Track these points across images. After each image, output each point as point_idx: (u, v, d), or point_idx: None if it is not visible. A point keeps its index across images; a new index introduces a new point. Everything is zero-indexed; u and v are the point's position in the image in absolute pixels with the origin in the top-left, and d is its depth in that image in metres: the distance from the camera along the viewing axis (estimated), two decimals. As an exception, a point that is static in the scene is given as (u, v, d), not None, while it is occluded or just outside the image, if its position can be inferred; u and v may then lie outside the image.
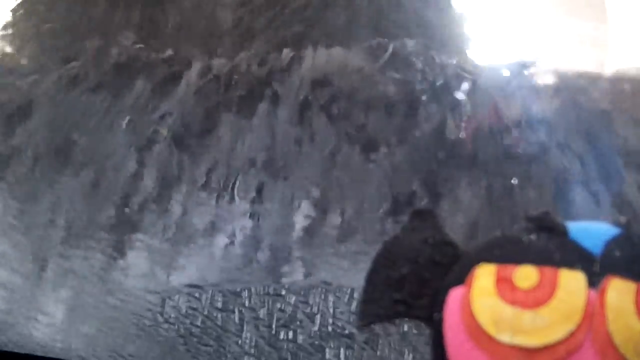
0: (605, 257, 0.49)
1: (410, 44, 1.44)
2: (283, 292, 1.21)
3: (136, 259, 1.30)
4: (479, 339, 0.48)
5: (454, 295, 0.51)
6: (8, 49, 1.69)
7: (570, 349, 0.46)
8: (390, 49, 1.44)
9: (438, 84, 1.35)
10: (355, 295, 1.18)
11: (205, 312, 1.23)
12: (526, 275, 0.48)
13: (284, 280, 1.23)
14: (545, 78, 1.42)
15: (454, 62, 1.41)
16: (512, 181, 1.25)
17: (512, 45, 1.95)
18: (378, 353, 1.15)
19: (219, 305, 1.23)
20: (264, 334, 1.19)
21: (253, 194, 1.31)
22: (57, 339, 1.25)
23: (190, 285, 1.26)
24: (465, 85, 1.33)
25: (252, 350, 1.19)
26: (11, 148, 1.44)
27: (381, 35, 1.51)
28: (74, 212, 1.36)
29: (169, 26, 1.66)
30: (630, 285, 0.47)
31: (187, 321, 1.22)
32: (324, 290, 1.20)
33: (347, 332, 1.17)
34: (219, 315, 1.22)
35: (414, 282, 0.54)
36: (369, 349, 1.15)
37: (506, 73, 1.40)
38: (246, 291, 1.23)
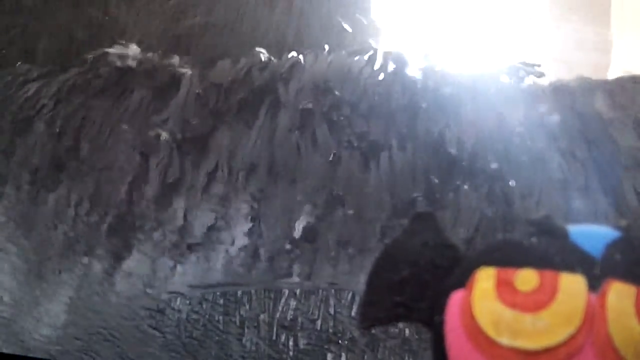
0: (605, 260, 0.49)
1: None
2: (284, 296, 1.22)
3: (138, 263, 1.30)
4: (479, 341, 0.48)
5: (455, 298, 0.51)
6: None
7: (570, 351, 0.46)
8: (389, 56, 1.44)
9: (439, 92, 1.36)
10: (357, 298, 1.18)
11: (207, 316, 1.23)
12: (526, 278, 0.48)
13: (285, 284, 1.23)
14: (546, 83, 1.42)
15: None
16: (510, 183, 1.25)
17: (514, 50, 1.96)
18: (379, 356, 1.15)
19: (220, 308, 1.23)
20: (265, 337, 1.19)
21: (254, 198, 1.31)
22: (58, 341, 1.25)
23: (192, 290, 1.26)
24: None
25: (253, 354, 1.19)
26: (15, 155, 1.45)
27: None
28: (75, 217, 1.36)
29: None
30: (631, 289, 0.47)
31: (189, 325, 1.22)
32: (324, 293, 1.20)
33: (348, 335, 1.17)
34: (220, 319, 1.22)
35: (414, 285, 0.54)
36: (369, 352, 1.15)
37: (507, 78, 1.40)
38: (247, 295, 1.23)
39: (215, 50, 1.61)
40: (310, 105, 1.37)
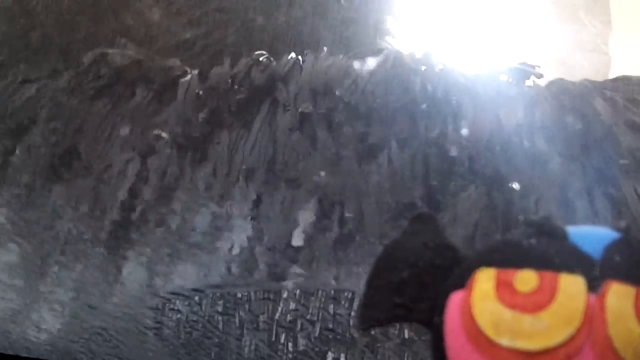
0: (604, 261, 0.49)
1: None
2: (283, 297, 1.22)
3: (137, 264, 1.30)
4: (478, 342, 0.48)
5: (454, 299, 0.51)
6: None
7: (570, 352, 0.46)
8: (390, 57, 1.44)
9: (439, 93, 1.36)
10: (356, 299, 1.18)
11: (206, 317, 1.23)
12: (526, 279, 0.48)
13: (285, 285, 1.23)
14: (546, 84, 1.42)
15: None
16: (514, 186, 1.25)
17: (513, 51, 1.96)
18: (378, 357, 1.15)
19: (220, 309, 1.23)
20: (264, 338, 1.19)
21: (253, 199, 1.31)
22: (56, 341, 1.25)
23: (191, 291, 1.26)
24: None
25: (253, 355, 1.19)
26: (15, 156, 1.45)
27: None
28: (74, 219, 1.36)
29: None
30: (630, 290, 0.47)
31: (188, 325, 1.22)
32: (324, 294, 1.20)
33: (347, 336, 1.17)
34: (220, 320, 1.22)
35: (414, 286, 0.54)
36: (369, 352, 1.15)
37: (507, 79, 1.40)
38: (246, 296, 1.23)
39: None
40: (309, 107, 1.37)
